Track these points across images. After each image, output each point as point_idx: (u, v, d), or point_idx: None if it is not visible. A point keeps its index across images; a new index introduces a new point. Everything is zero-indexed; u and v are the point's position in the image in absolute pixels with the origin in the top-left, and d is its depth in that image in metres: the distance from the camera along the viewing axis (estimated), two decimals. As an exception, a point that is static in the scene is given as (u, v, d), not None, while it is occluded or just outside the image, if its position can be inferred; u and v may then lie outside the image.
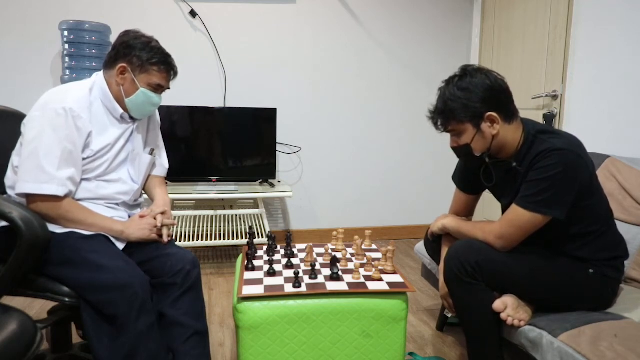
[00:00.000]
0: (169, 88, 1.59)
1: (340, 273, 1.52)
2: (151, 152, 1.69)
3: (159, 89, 1.54)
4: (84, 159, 1.45)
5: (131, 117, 1.57)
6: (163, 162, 1.77)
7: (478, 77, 1.43)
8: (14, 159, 1.46)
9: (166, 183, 1.79)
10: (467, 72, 1.45)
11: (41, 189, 1.35)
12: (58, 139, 1.37)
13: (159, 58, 1.50)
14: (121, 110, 1.52)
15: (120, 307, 1.28)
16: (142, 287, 1.33)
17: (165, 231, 1.54)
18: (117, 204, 1.55)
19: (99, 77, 1.54)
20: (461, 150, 1.50)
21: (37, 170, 1.35)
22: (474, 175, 1.64)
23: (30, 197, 1.37)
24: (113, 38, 2.77)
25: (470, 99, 1.41)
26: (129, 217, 1.58)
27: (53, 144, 1.37)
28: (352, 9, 3.23)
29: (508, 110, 1.45)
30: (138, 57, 1.48)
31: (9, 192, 1.47)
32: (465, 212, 1.75)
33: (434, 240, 1.74)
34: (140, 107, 1.54)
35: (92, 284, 1.30)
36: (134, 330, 1.29)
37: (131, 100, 1.51)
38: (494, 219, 1.52)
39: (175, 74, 1.58)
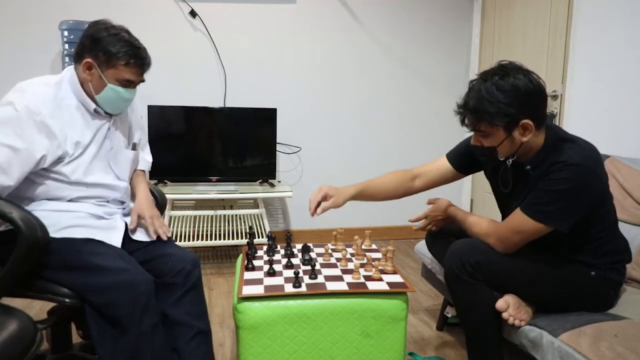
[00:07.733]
0: (143, 81, 1.49)
1: (313, 259, 1.54)
2: (133, 147, 1.63)
3: (129, 84, 1.45)
4: (60, 158, 1.39)
5: (107, 112, 1.50)
6: (145, 156, 1.73)
7: (520, 79, 1.30)
8: None
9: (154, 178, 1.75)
10: (507, 70, 1.33)
11: None
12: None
13: (127, 51, 1.39)
14: (94, 105, 1.45)
15: (123, 307, 1.27)
16: (147, 286, 1.33)
17: (161, 231, 1.52)
18: (107, 201, 1.54)
19: (69, 71, 1.46)
20: (484, 151, 1.42)
21: None
22: (474, 160, 1.56)
23: None
24: (113, 38, 2.78)
25: (510, 103, 1.29)
26: (125, 210, 1.57)
27: None
28: (352, 9, 3.23)
29: (542, 118, 1.36)
30: (104, 52, 1.38)
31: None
32: (435, 181, 1.65)
33: (438, 236, 1.73)
34: (112, 103, 1.46)
35: (94, 287, 1.29)
36: (137, 331, 1.29)
37: (101, 96, 1.43)
38: (494, 219, 1.52)
39: (148, 65, 1.47)
